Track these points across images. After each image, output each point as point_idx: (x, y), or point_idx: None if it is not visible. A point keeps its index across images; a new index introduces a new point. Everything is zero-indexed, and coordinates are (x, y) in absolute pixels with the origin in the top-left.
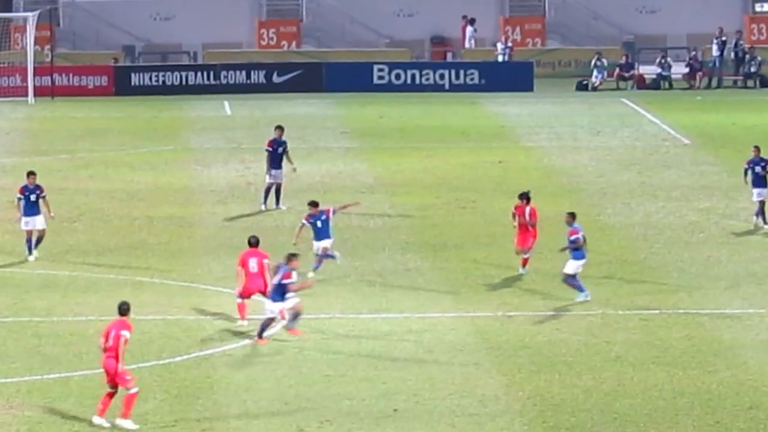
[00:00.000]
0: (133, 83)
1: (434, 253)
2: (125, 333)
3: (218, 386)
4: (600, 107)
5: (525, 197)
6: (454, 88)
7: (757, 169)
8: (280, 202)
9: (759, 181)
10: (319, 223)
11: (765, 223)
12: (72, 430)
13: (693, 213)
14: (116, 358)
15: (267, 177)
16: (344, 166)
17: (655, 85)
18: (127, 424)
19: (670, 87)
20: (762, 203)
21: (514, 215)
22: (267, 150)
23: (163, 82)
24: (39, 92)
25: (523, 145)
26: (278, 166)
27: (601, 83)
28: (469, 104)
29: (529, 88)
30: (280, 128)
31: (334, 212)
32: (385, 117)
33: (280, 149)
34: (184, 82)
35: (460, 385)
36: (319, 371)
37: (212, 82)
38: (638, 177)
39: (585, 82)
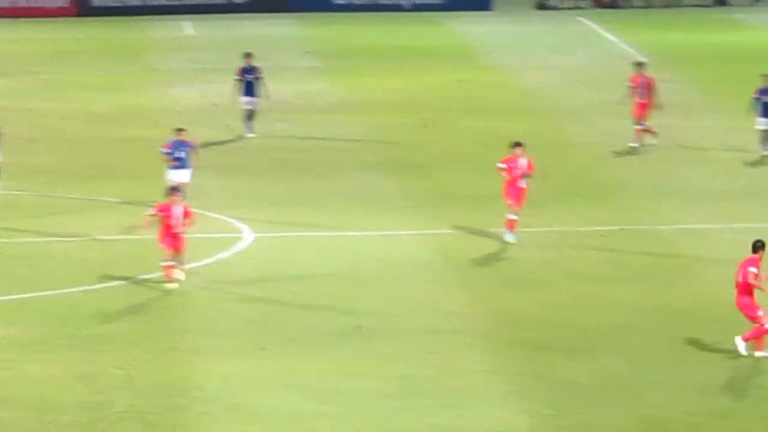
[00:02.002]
0: (94, 4)
1: (397, 171)
2: (752, 269)
3: (183, 305)
4: (559, 26)
5: (520, 145)
6: (416, 8)
7: (765, 98)
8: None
9: (767, 111)
10: (177, 153)
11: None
12: (36, 351)
13: None
14: (747, 293)
15: (241, 104)
16: (308, 86)
17: (614, 3)
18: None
19: (629, 6)
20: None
21: (504, 169)
22: (236, 78)
23: (125, 2)
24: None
25: (485, 64)
26: (251, 93)
27: (560, 2)
28: (431, 24)
29: (487, 7)
30: (248, 55)
31: (193, 148)
32: (349, 37)
33: (250, 76)
34: (146, 3)
35: (423, 302)
36: (284, 289)
37: (175, 2)
38: (597, 95)
39: (544, 1)
